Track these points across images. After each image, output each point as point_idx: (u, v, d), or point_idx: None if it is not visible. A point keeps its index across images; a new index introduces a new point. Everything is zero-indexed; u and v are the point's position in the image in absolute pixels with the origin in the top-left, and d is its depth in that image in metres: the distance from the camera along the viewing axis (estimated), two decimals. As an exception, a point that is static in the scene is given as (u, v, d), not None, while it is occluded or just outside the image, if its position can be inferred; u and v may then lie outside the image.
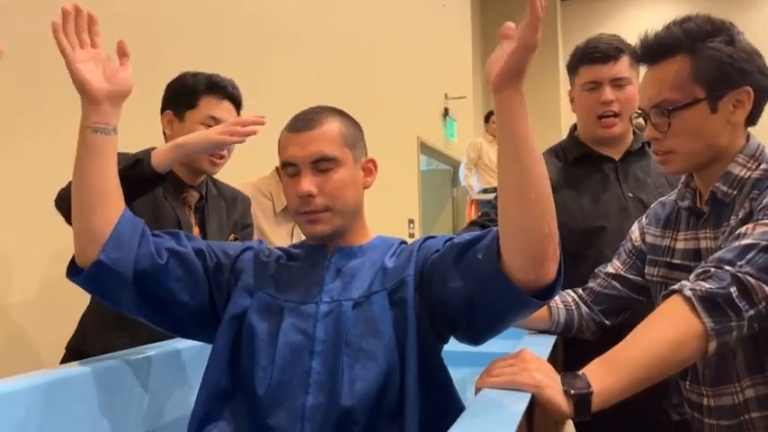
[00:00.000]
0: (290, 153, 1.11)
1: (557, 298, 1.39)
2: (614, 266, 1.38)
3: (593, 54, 1.61)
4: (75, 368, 1.14)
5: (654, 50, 1.14)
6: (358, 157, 1.15)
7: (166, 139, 1.66)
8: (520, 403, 0.80)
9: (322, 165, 1.09)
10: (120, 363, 1.21)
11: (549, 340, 1.28)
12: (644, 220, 1.35)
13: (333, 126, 1.11)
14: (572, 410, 0.86)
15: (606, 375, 0.89)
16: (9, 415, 0.99)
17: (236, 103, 1.68)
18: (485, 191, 6.17)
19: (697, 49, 1.10)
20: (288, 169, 1.12)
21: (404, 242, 1.19)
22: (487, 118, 6.39)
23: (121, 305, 1.14)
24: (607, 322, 1.38)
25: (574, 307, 1.39)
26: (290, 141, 1.11)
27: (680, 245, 1.23)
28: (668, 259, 1.24)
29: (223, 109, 1.63)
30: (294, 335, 1.07)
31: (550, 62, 8.25)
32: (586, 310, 1.38)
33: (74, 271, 1.11)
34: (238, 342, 1.11)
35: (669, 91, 1.11)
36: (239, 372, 1.10)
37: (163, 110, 1.66)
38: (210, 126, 1.58)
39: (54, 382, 1.07)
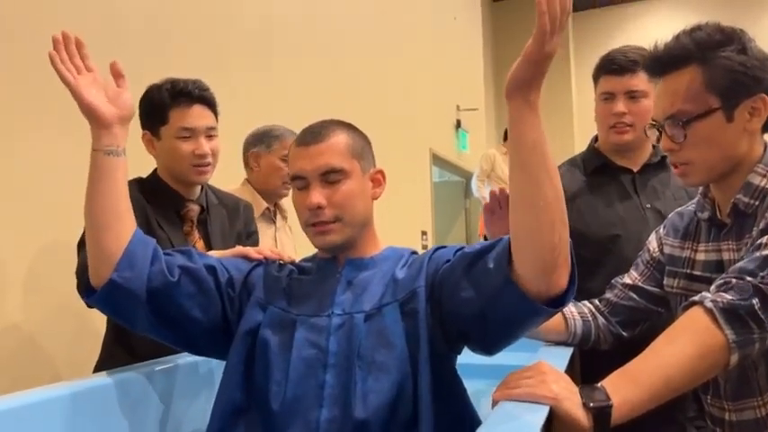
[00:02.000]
0: (298, 166, 1.12)
1: (573, 310, 1.38)
2: (632, 277, 1.37)
3: (611, 65, 1.62)
4: (91, 381, 1.15)
5: (664, 62, 1.13)
6: (366, 169, 1.15)
7: (156, 159, 1.64)
8: (537, 416, 0.79)
9: (330, 177, 1.10)
10: (136, 376, 1.21)
11: (566, 352, 1.27)
12: (662, 230, 1.34)
13: (340, 138, 1.12)
14: (591, 424, 0.84)
15: (626, 388, 0.88)
16: (28, 427, 0.99)
17: (207, 103, 1.60)
18: (498, 202, 6.14)
19: (708, 58, 1.09)
20: (297, 182, 1.12)
21: (414, 252, 1.19)
22: (506, 135, 6.34)
23: (135, 324, 1.15)
24: (625, 334, 1.36)
25: (591, 318, 1.37)
26: (298, 155, 1.12)
27: (701, 256, 1.21)
28: (688, 271, 1.22)
29: (194, 116, 1.57)
30: (307, 348, 1.07)
31: (562, 74, 8.24)
32: (603, 321, 1.37)
33: (88, 292, 1.13)
34: (252, 357, 1.11)
35: (683, 102, 1.10)
36: (253, 386, 1.10)
37: (142, 129, 1.61)
38: (186, 138, 1.55)
39: (71, 396, 1.07)
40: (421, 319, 1.05)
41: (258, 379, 1.09)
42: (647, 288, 1.34)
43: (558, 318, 1.35)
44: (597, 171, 1.69)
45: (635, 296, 1.35)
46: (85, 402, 1.09)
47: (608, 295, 1.40)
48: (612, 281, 1.41)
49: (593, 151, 1.74)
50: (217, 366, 1.30)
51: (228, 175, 2.22)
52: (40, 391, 1.06)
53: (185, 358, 1.33)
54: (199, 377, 1.36)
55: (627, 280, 1.37)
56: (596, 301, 1.41)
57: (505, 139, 6.23)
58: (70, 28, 1.11)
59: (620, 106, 1.61)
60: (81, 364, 1.69)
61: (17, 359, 1.83)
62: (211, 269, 1.17)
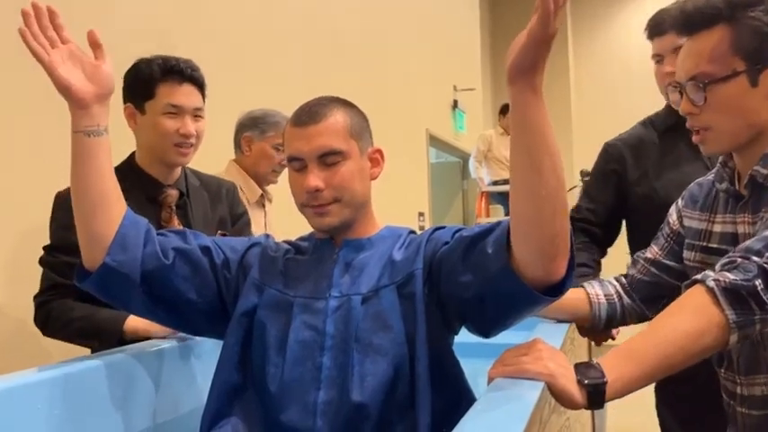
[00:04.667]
0: (296, 147, 1.09)
1: (599, 291, 1.37)
2: (652, 252, 1.35)
3: (657, 28, 1.61)
4: (88, 362, 1.14)
5: (693, 21, 1.10)
6: (364, 148, 1.13)
7: (136, 135, 1.58)
8: (532, 393, 0.80)
9: (329, 159, 1.08)
10: (133, 356, 1.21)
11: (562, 331, 1.27)
12: (680, 202, 1.31)
13: (338, 118, 1.10)
14: (585, 400, 0.85)
15: (621, 365, 0.87)
16: (24, 407, 1.00)
17: (198, 84, 1.54)
18: (495, 183, 6.14)
19: (737, 18, 1.05)
20: (294, 164, 1.10)
21: (412, 231, 1.18)
22: (504, 111, 6.30)
23: (130, 307, 1.15)
24: (648, 313, 1.35)
25: (616, 299, 1.37)
26: (295, 136, 1.10)
27: (717, 228, 1.19)
28: (705, 243, 1.20)
29: (183, 93, 1.50)
30: (304, 331, 1.07)
31: (559, 51, 8.15)
32: (629, 301, 1.37)
33: (81, 276, 1.11)
34: (249, 338, 1.11)
35: (707, 63, 1.07)
36: (251, 368, 1.10)
37: (124, 102, 1.53)
38: (172, 115, 1.49)
39: (67, 375, 1.07)
40: (418, 302, 1.04)
41: (255, 361, 1.09)
42: (666, 262, 1.32)
43: (583, 301, 1.36)
44: (670, 129, 1.67)
45: (655, 271, 1.34)
46: (78, 384, 1.09)
47: (631, 271, 1.39)
48: (635, 255, 1.40)
49: (668, 109, 1.70)
50: (213, 345, 1.30)
51: (218, 159, 2.21)
52: (30, 373, 1.05)
53: (179, 339, 1.33)
54: (195, 357, 1.35)
55: (648, 254, 1.36)
56: (622, 279, 1.40)
57: (501, 113, 6.22)
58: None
59: (669, 66, 1.57)
60: (75, 351, 1.68)
61: (7, 346, 1.82)
62: (206, 250, 1.16)
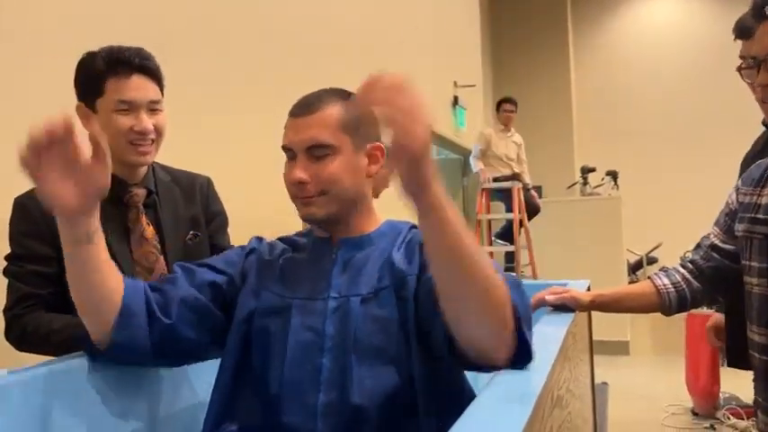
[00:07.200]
0: (287, 137, 1.10)
1: (666, 281, 1.44)
2: (713, 233, 1.41)
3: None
4: (77, 360, 1.12)
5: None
6: (360, 144, 1.10)
7: None
8: (534, 387, 0.80)
9: (316, 152, 1.06)
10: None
11: (565, 324, 1.27)
12: (739, 182, 1.36)
13: (331, 111, 1.07)
14: None
15: None
16: (11, 405, 0.99)
17: (150, 73, 1.39)
18: (496, 179, 6.14)
19: None
20: (287, 153, 1.10)
21: (414, 226, 1.16)
22: (498, 106, 6.33)
23: (146, 365, 1.16)
24: (717, 296, 1.43)
25: (684, 286, 1.43)
26: (288, 125, 1.10)
27: (764, 200, 1.23)
28: (752, 215, 1.25)
29: (133, 87, 1.35)
30: (303, 332, 1.06)
31: (560, 47, 8.11)
32: (697, 285, 1.42)
33: (92, 351, 1.09)
34: (249, 342, 1.11)
35: None
36: (251, 371, 1.09)
37: (78, 99, 1.40)
38: (124, 111, 1.35)
39: (54, 373, 1.06)
40: (410, 307, 1.04)
41: (256, 364, 1.09)
42: (724, 247, 1.38)
43: (652, 294, 1.44)
44: None
45: (715, 255, 1.40)
46: (68, 381, 1.08)
47: (695, 256, 1.45)
48: (700, 240, 1.46)
49: None
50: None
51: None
52: (17, 371, 1.04)
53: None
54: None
55: (709, 239, 1.42)
56: (689, 264, 1.45)
57: (497, 109, 6.26)
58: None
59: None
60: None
61: None
62: (203, 286, 1.14)
